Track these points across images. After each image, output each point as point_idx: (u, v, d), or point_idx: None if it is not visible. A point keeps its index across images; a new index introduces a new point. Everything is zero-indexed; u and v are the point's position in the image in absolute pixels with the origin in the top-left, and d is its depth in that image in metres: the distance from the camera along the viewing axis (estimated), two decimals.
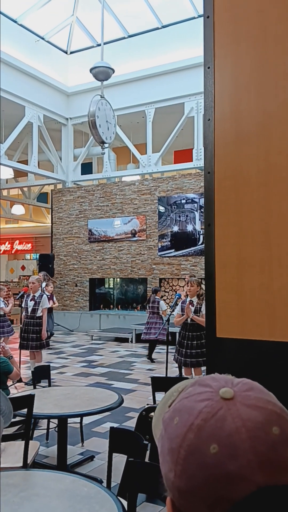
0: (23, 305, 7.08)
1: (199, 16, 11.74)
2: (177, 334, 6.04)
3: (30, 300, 6.96)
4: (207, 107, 1.68)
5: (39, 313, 6.89)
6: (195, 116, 12.26)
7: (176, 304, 5.96)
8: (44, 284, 9.91)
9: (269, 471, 0.48)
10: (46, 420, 4.64)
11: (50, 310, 9.86)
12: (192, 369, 5.87)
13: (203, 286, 7.50)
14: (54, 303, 10.49)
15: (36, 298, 6.95)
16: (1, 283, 15.13)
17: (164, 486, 0.54)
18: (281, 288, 1.48)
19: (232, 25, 1.63)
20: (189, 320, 5.82)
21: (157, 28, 12.68)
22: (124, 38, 13.05)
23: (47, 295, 8.10)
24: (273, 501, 0.47)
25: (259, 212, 1.52)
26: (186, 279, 7.40)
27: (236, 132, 1.59)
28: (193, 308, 5.83)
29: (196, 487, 0.49)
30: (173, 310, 5.99)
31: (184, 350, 5.79)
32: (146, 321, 9.05)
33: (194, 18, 12.01)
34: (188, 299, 5.91)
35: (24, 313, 6.98)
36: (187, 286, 6.02)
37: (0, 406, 0.78)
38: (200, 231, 11.98)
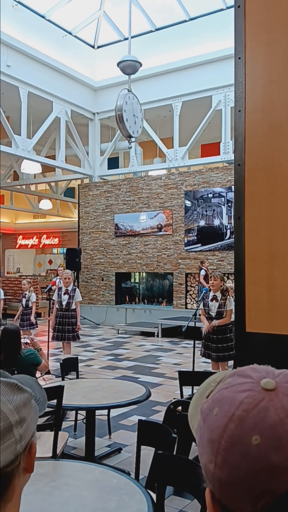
0: (54, 299, 7.37)
1: (228, 7, 11.57)
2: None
3: (64, 294, 7.25)
4: (238, 98, 1.65)
5: (73, 306, 7.23)
6: (222, 109, 12.11)
7: (203, 299, 5.95)
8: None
9: None
10: (74, 412, 4.69)
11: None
12: (219, 363, 5.84)
13: (228, 281, 7.44)
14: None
15: (69, 292, 7.24)
16: (29, 277, 15.35)
17: (203, 477, 0.54)
18: None
19: (264, 15, 1.61)
20: (212, 314, 5.80)
21: (185, 21, 12.57)
22: (151, 31, 12.98)
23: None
24: None
25: None
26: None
27: (268, 123, 1.57)
28: (217, 304, 5.80)
29: (239, 479, 0.48)
30: (200, 305, 5.98)
31: (210, 344, 5.78)
32: None
33: (222, 9, 11.84)
34: (212, 294, 5.87)
35: (57, 306, 7.26)
36: (210, 280, 6.01)
37: (36, 394, 0.80)
38: (227, 226, 11.87)
